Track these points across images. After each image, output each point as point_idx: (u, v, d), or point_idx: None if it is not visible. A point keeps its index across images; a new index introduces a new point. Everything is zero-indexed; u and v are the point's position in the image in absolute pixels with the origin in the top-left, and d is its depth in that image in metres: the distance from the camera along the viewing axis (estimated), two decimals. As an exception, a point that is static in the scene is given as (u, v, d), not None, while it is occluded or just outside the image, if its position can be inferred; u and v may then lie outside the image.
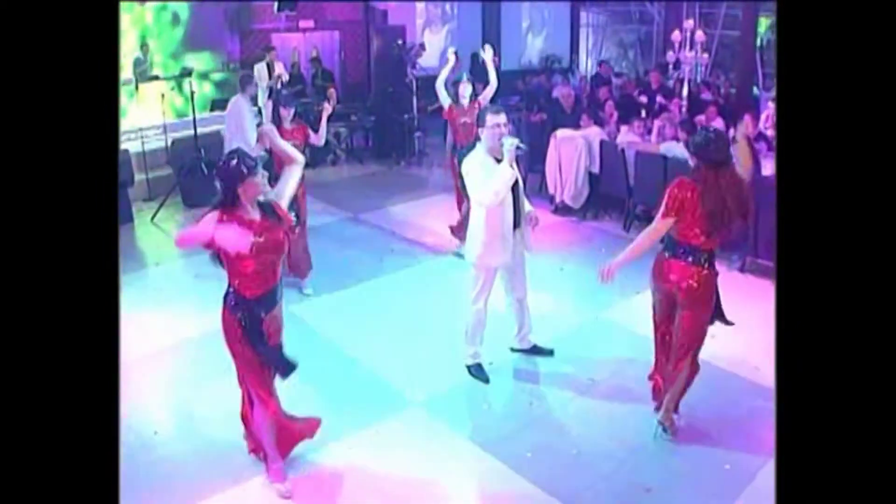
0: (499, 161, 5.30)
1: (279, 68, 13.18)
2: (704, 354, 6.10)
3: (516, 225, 5.59)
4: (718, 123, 10.43)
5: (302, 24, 15.24)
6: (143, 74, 12.69)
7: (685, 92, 11.33)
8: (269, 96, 12.98)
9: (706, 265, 4.70)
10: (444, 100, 8.64)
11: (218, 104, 12.84)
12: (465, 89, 8.44)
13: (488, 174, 5.27)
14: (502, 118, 5.40)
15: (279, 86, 13.20)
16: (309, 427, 4.75)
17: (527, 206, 5.72)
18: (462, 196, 7.97)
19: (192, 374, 5.97)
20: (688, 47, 11.18)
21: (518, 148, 5.20)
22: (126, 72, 12.51)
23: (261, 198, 4.14)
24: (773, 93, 13.30)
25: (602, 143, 9.67)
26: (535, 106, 13.62)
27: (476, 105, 8.22)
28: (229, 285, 4.22)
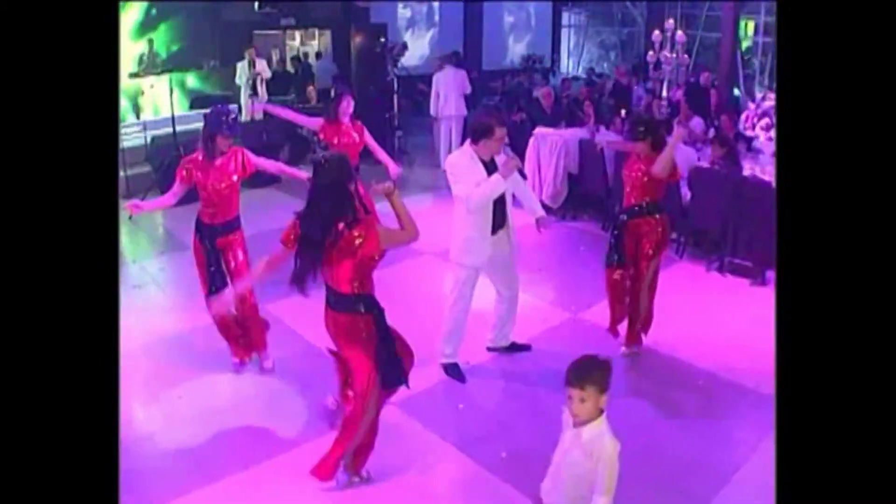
0: (484, 162, 5.38)
1: (260, 66, 13.14)
2: (683, 353, 6.16)
3: (500, 225, 5.61)
4: (696, 123, 10.48)
5: (283, 21, 15.19)
6: (149, 69, 12.71)
7: (665, 93, 11.36)
8: (251, 94, 12.97)
9: None
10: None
11: (197, 102, 12.78)
12: (349, 105, 7.49)
13: (475, 178, 5.33)
14: (505, 131, 5.48)
15: (260, 83, 13.19)
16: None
17: (539, 211, 5.97)
18: None
19: (170, 371, 5.91)
20: (668, 48, 11.21)
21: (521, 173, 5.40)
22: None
23: None
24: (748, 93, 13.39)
25: (581, 142, 9.66)
26: (515, 106, 13.61)
27: (359, 127, 7.59)
28: (345, 291, 4.20)
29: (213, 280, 5.65)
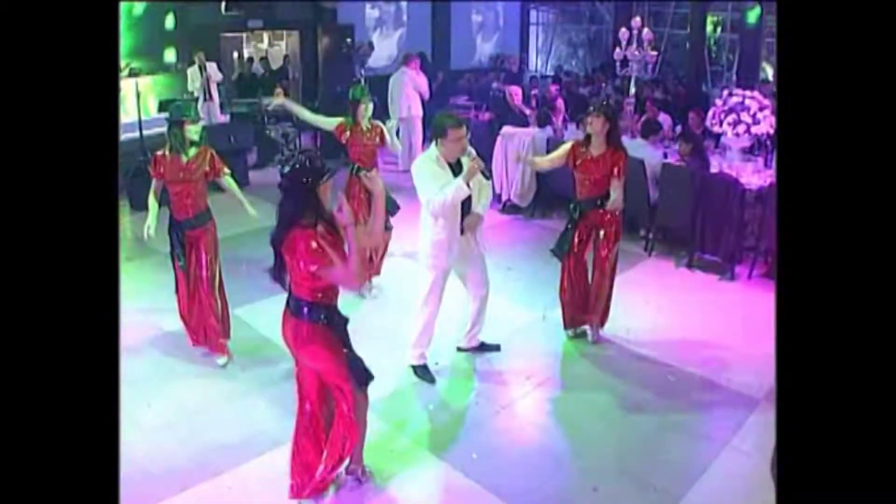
0: (450, 165, 5.34)
1: (211, 69, 13.01)
2: (652, 349, 6.19)
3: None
4: (664, 118, 10.54)
5: (250, 23, 15.08)
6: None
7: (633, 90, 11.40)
8: (206, 99, 12.81)
9: None
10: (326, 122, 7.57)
11: (165, 105, 12.63)
12: (367, 109, 7.32)
13: (439, 181, 5.29)
14: (464, 131, 5.34)
15: (215, 87, 13.03)
16: None
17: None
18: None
19: (137, 379, 5.81)
20: (635, 45, 11.21)
21: (484, 174, 5.38)
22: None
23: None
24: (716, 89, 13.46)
25: (549, 141, 9.65)
26: (483, 105, 13.62)
27: (377, 130, 7.37)
28: (305, 298, 4.10)
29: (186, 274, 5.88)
